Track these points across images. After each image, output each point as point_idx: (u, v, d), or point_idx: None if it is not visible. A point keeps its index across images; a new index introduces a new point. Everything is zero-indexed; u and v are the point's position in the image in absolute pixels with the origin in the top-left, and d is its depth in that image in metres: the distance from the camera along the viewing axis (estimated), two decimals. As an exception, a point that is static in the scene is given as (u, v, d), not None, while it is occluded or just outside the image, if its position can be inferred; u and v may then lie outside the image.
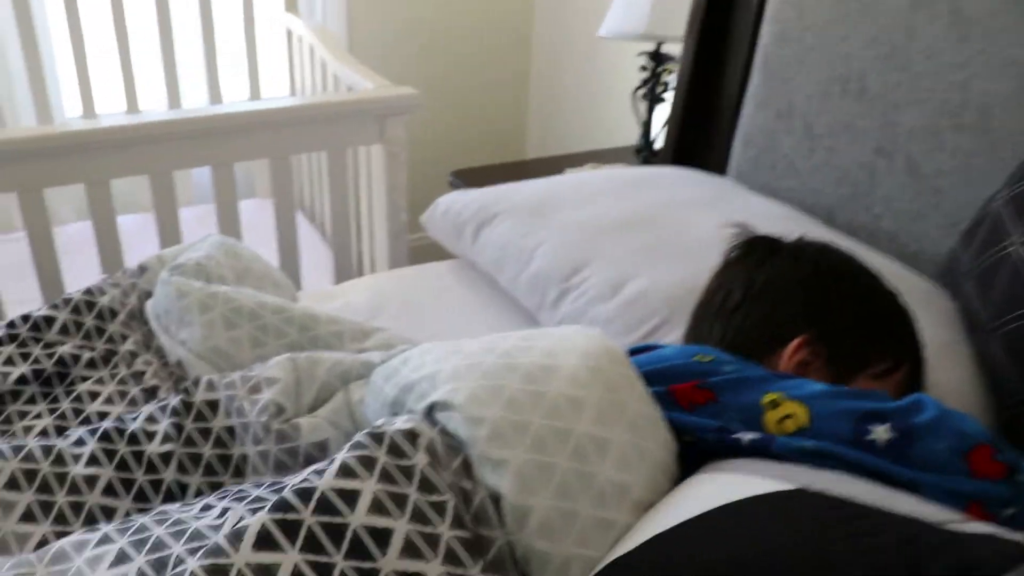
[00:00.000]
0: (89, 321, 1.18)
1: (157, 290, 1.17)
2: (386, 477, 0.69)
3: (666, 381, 0.82)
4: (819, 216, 1.54)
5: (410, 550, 0.65)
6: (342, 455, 0.71)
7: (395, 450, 0.71)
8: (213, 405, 0.94)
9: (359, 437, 0.73)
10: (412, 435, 0.73)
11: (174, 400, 0.91)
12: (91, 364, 1.13)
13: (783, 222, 1.40)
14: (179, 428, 0.89)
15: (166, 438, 0.89)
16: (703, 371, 0.83)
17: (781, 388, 0.79)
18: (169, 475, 0.88)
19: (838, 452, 0.72)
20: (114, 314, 1.20)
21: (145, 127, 1.62)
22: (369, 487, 0.68)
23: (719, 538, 0.62)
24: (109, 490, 0.84)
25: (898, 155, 1.41)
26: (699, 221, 1.34)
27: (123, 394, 1.09)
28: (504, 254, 1.38)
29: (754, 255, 1.01)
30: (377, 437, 0.73)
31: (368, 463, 0.70)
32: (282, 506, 0.66)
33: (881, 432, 0.73)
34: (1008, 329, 1.03)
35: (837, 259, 0.99)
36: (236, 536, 0.64)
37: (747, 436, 0.76)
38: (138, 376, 1.11)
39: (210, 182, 1.82)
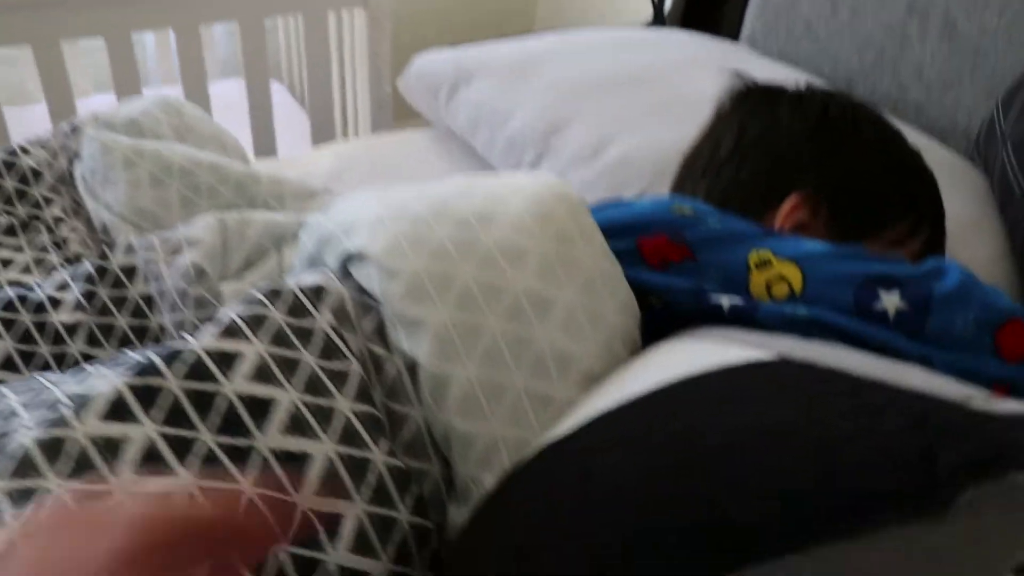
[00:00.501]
0: (9, 183, 1.05)
1: (84, 148, 1.04)
2: (278, 339, 0.56)
3: (634, 233, 0.68)
4: (838, 85, 1.37)
5: (295, 426, 0.52)
6: (227, 311, 0.58)
7: (295, 308, 0.58)
8: (131, 271, 0.81)
9: (254, 291, 0.60)
10: (317, 291, 0.60)
11: (88, 265, 0.78)
12: (10, 230, 1.01)
13: (797, 86, 1.24)
14: (91, 296, 0.77)
15: (76, 307, 0.76)
16: (680, 223, 0.68)
17: (772, 246, 0.65)
18: (76, 348, 0.76)
19: (836, 322, 0.59)
20: (39, 176, 1.07)
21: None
22: (254, 349, 0.55)
23: (681, 413, 0.49)
24: (7, 364, 0.72)
25: (934, 13, 1.24)
26: (699, 82, 1.17)
27: (41, 263, 0.96)
28: (479, 114, 1.23)
29: (750, 103, 0.86)
30: (275, 293, 0.59)
31: (258, 322, 0.57)
32: (145, 369, 0.53)
33: (891, 300, 0.60)
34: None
35: (849, 106, 0.84)
36: (83, 404, 0.51)
37: (728, 300, 0.62)
38: (62, 244, 0.99)
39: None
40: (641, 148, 1.03)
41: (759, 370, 0.50)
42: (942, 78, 1.23)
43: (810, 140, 0.80)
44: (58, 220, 1.03)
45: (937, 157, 1.09)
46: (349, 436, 0.53)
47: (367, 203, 0.67)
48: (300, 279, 0.61)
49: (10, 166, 1.05)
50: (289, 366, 0.55)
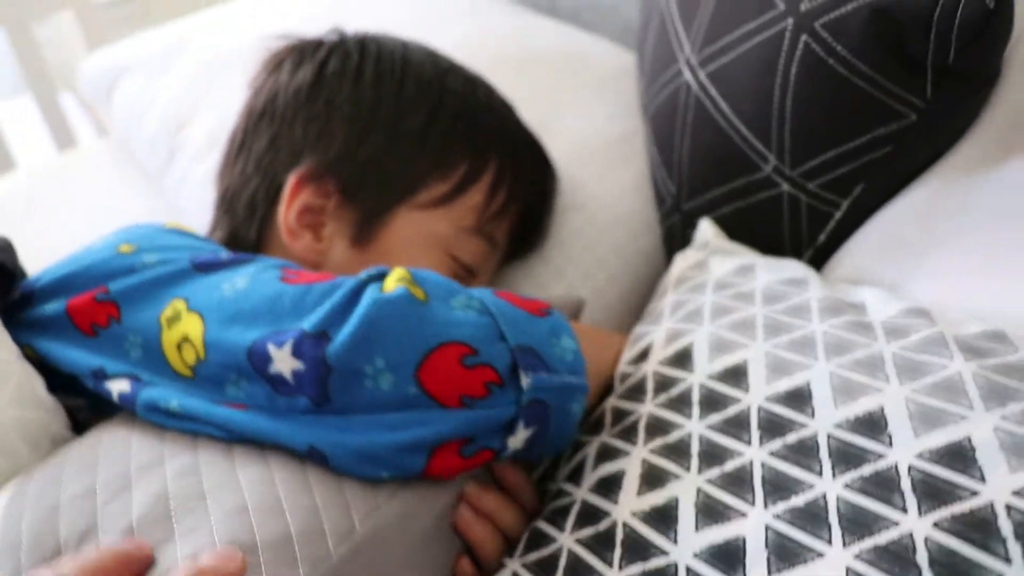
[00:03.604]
0: None
1: None
2: None
3: (69, 293, 0.54)
4: (542, 1, 1.24)
5: None
6: None
7: None
8: None
9: None
10: None
11: None
12: None
13: (466, 13, 1.11)
14: None
15: None
16: (116, 270, 0.54)
17: (191, 291, 0.51)
18: None
19: (207, 415, 0.46)
20: None
21: None
22: None
23: None
24: None
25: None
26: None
27: None
28: (128, 116, 1.11)
29: (265, 72, 0.73)
30: None
31: None
32: None
33: (283, 359, 0.45)
34: (655, 106, 0.76)
35: (358, 52, 0.70)
36: None
37: (119, 386, 0.49)
38: None
39: None
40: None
41: None
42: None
43: (306, 103, 0.67)
44: None
45: (615, 65, 0.98)
46: None
47: None
48: None
49: None
50: None
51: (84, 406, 0.55)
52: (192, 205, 0.97)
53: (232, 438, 0.45)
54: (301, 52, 0.71)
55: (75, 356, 0.52)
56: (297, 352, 0.44)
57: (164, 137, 1.03)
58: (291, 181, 0.65)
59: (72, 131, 1.61)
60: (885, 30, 0.52)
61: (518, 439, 0.46)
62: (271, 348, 0.45)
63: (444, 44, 0.87)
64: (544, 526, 0.48)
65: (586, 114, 0.87)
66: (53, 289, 0.55)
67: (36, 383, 0.53)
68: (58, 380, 0.54)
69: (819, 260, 0.63)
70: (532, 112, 0.83)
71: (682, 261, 0.63)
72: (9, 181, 1.20)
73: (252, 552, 0.38)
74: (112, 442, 0.47)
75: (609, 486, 0.47)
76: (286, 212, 0.65)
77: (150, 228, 0.60)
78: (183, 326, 0.49)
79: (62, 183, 1.19)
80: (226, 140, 0.75)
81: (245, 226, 0.68)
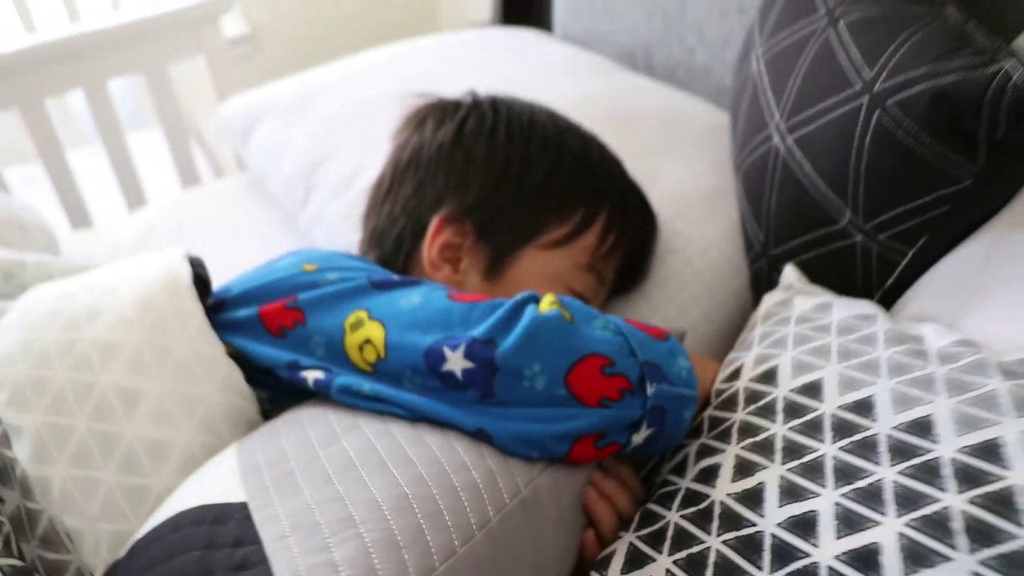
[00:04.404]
0: None
1: None
2: None
3: (260, 301, 0.67)
4: (639, 59, 1.36)
5: None
6: None
7: None
8: None
9: None
10: None
11: None
12: None
13: (574, 72, 1.24)
14: None
15: None
16: (302, 284, 0.67)
17: (371, 304, 0.64)
18: None
19: (394, 397, 0.58)
20: None
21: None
22: None
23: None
24: None
25: (702, -27, 1.22)
26: (464, 87, 1.18)
27: None
28: (265, 157, 1.25)
29: (410, 127, 0.87)
30: None
31: None
32: None
33: (456, 360, 0.57)
34: (747, 165, 0.88)
35: (492, 113, 0.83)
36: None
37: (313, 374, 0.62)
38: None
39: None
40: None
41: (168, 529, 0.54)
42: (719, 37, 1.22)
43: (447, 156, 0.80)
44: None
45: (711, 123, 1.09)
46: None
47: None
48: None
49: None
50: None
51: (267, 398, 0.68)
52: (325, 239, 1.10)
53: (414, 417, 0.58)
54: (442, 111, 0.84)
55: (270, 352, 0.65)
56: (469, 354, 0.57)
57: (300, 176, 1.17)
58: (434, 222, 0.78)
59: (196, 168, 1.78)
60: (944, 109, 0.62)
61: (640, 436, 0.58)
62: (446, 350, 0.58)
63: (558, 101, 1.00)
64: (654, 507, 0.59)
65: (684, 169, 0.99)
66: (245, 298, 0.69)
67: (238, 374, 0.66)
68: (246, 375, 0.67)
69: (886, 301, 0.73)
70: (637, 165, 0.95)
71: (769, 299, 0.74)
72: (149, 212, 1.35)
73: (452, 491, 0.50)
74: (312, 414, 0.60)
75: (708, 476, 0.57)
76: (429, 248, 0.78)
77: (327, 251, 0.73)
78: (365, 331, 0.62)
79: (199, 214, 1.34)
80: (372, 186, 0.88)
81: (391, 259, 0.81)
